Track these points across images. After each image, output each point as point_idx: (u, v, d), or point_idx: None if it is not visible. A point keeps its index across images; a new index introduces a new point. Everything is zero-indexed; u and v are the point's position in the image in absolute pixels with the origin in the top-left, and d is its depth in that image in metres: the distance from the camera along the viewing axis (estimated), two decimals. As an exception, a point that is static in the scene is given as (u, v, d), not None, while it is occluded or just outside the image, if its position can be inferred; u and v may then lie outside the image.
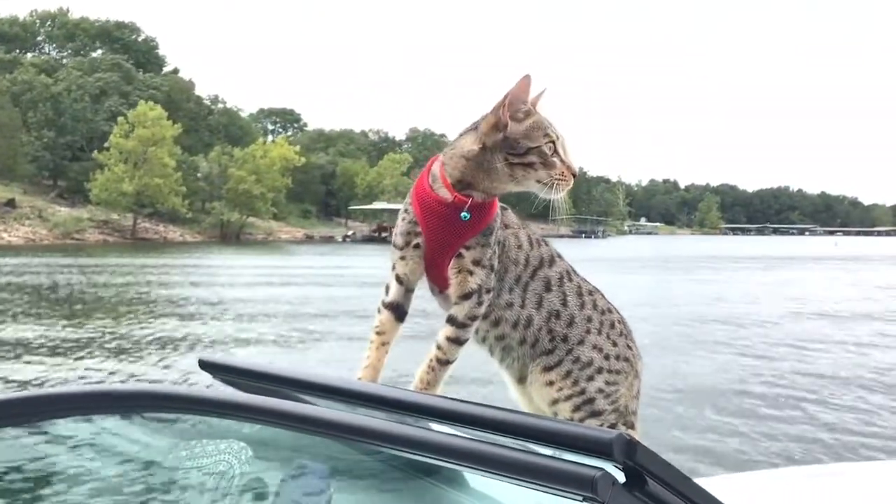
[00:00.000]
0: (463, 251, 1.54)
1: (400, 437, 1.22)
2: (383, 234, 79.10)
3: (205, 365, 1.67)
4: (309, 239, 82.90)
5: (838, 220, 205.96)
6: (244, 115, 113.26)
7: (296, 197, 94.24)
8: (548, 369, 1.61)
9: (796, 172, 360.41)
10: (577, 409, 1.60)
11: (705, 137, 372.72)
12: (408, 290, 1.65)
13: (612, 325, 1.67)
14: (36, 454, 1.89)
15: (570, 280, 1.66)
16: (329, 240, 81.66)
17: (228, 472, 1.74)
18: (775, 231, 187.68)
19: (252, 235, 78.19)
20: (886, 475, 2.84)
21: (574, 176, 1.59)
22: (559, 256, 1.68)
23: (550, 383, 1.60)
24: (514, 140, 1.55)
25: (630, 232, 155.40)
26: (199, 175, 74.69)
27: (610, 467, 1.04)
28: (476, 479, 1.84)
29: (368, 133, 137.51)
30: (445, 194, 1.57)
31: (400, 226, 1.64)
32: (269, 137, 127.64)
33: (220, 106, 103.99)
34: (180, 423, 1.79)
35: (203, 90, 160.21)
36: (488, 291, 1.57)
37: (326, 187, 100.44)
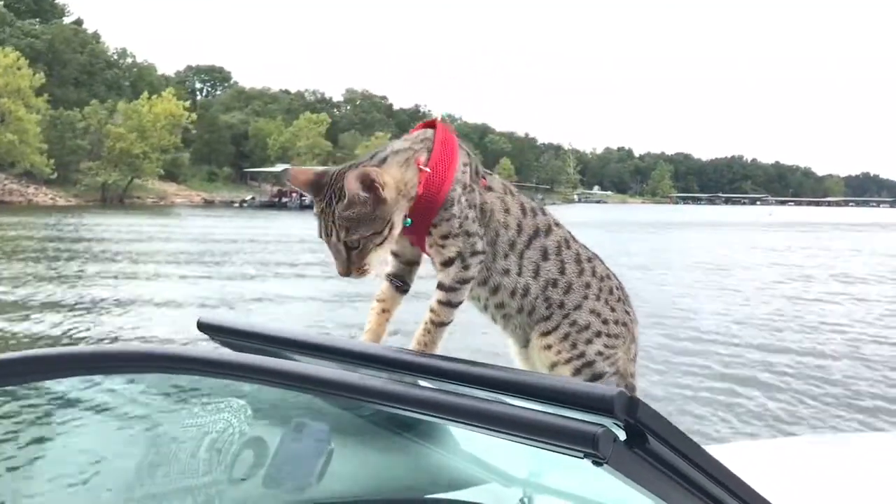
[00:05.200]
0: (431, 229, 1.52)
1: (398, 396, 1.23)
2: (283, 200, 73.41)
3: (203, 326, 1.65)
4: (208, 204, 76.35)
5: (791, 190, 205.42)
6: (168, 72, 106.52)
7: (203, 158, 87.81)
8: (546, 334, 1.60)
9: (751, 142, 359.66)
10: (577, 371, 1.60)
11: (663, 106, 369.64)
12: (407, 264, 1.63)
13: (611, 291, 1.66)
14: (39, 413, 2.00)
15: (569, 248, 1.63)
16: (230, 205, 75.25)
17: (228, 431, 1.81)
18: (727, 201, 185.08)
19: (140, 199, 71.54)
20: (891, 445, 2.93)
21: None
22: (557, 224, 1.64)
23: (549, 347, 1.60)
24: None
25: (579, 200, 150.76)
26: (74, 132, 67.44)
27: (611, 425, 1.04)
28: (466, 441, 1.99)
29: (305, 93, 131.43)
30: None
31: None
32: (198, 96, 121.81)
33: (129, 60, 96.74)
34: (180, 382, 1.86)
35: (117, 44, 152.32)
36: (475, 254, 1.53)
37: (238, 148, 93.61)
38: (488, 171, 1.62)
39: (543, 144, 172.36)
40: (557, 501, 2.16)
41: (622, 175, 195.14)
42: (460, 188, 1.51)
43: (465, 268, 1.52)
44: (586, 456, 1.01)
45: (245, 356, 1.47)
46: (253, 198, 78.41)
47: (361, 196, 1.38)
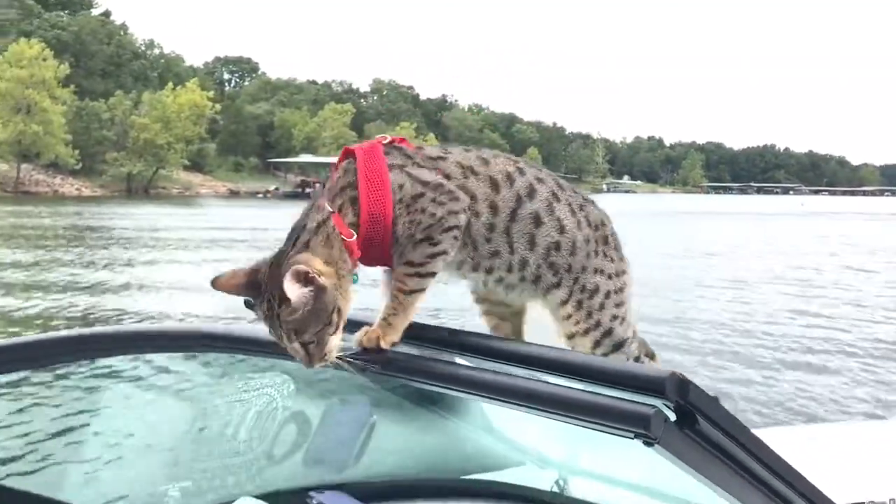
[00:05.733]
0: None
1: (437, 373, 1.25)
2: (307, 190, 73.33)
3: (250, 305, 1.68)
4: (233, 194, 76.57)
5: (825, 180, 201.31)
6: (196, 63, 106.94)
7: (230, 149, 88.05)
8: (563, 303, 1.53)
9: (784, 131, 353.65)
10: (597, 344, 1.54)
11: (694, 94, 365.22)
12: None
13: (606, 241, 1.58)
14: (94, 388, 2.19)
15: (559, 201, 1.52)
16: (255, 195, 75.33)
17: (271, 405, 1.92)
18: (759, 190, 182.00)
19: (165, 189, 71.88)
20: None
21: None
22: (539, 180, 1.51)
23: (568, 316, 1.53)
24: None
25: (607, 190, 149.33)
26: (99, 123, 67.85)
27: (661, 406, 1.05)
28: (501, 422, 2.07)
29: (332, 84, 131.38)
30: None
31: None
32: (226, 87, 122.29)
33: (156, 52, 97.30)
34: (227, 359, 1.97)
35: (145, 36, 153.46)
36: (445, 231, 1.42)
37: (264, 139, 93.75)
38: (445, 153, 1.49)
39: (572, 133, 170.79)
40: (592, 484, 2.18)
41: (652, 164, 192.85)
42: (406, 190, 1.41)
43: (435, 244, 1.42)
44: (637, 436, 1.02)
45: None
46: (277, 188, 78.32)
47: (306, 296, 1.30)
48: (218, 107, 74.96)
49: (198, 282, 15.88)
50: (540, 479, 2.20)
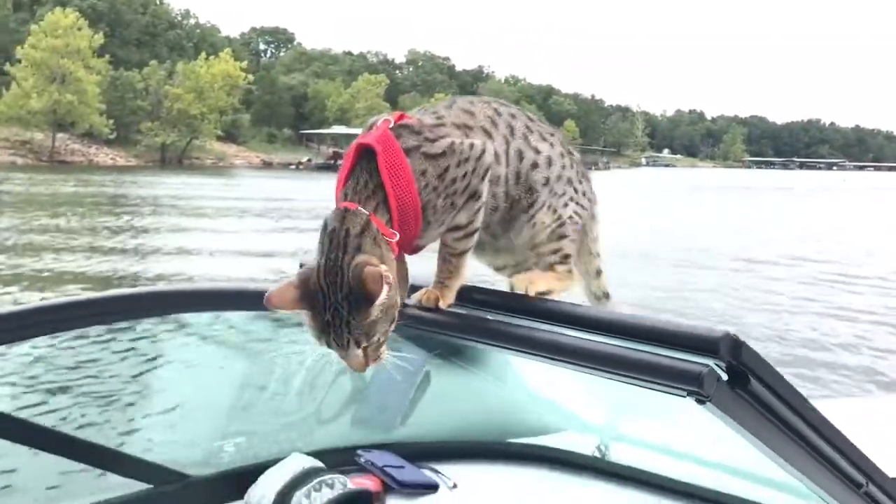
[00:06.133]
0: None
1: (506, 335, 1.28)
2: (338, 162, 72.64)
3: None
4: (267, 165, 76.73)
5: (871, 155, 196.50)
6: (233, 33, 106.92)
7: (264, 120, 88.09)
8: (531, 217, 1.51)
9: (830, 105, 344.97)
10: (553, 235, 1.53)
11: (737, 67, 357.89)
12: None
13: (573, 166, 1.58)
14: (173, 343, 2.30)
15: (532, 132, 1.52)
16: (288, 167, 75.32)
17: (325, 358, 2.03)
18: (801, 165, 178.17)
19: (199, 160, 72.11)
20: None
21: None
22: (497, 113, 1.49)
23: (534, 224, 1.51)
24: None
25: (646, 164, 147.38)
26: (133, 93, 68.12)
27: (713, 365, 1.07)
28: (543, 386, 2.16)
29: (367, 55, 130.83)
30: None
31: None
32: (262, 58, 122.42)
33: (192, 21, 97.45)
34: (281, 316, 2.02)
35: (181, 5, 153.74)
36: (483, 175, 1.42)
37: (298, 110, 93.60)
38: (438, 116, 1.45)
39: (611, 106, 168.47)
40: (633, 450, 2.21)
41: (693, 138, 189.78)
42: (430, 174, 1.38)
43: (477, 197, 1.42)
44: (689, 394, 1.04)
45: None
46: (309, 160, 77.99)
47: (387, 296, 1.27)
48: (252, 77, 74.77)
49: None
50: (581, 444, 2.26)
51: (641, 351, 1.11)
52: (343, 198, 1.33)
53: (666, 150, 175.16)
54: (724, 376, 1.06)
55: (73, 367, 2.51)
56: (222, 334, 2.25)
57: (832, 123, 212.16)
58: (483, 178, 1.41)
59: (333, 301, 1.27)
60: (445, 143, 1.39)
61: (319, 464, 1.97)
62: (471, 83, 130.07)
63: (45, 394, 2.44)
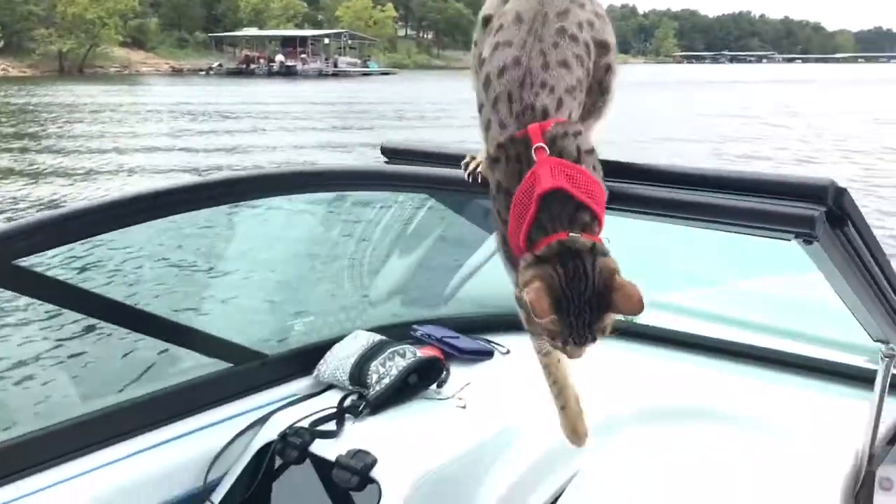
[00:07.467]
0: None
1: (620, 196, 1.28)
2: (251, 66, 69.55)
3: (385, 150, 1.82)
4: (176, 72, 72.77)
5: (799, 47, 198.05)
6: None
7: (173, 24, 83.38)
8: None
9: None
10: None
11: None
12: None
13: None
14: (260, 224, 2.51)
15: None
16: (198, 73, 71.59)
17: (395, 215, 2.27)
18: (732, 59, 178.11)
19: (102, 68, 68.00)
20: None
21: None
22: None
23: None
24: None
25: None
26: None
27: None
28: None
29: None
30: None
31: None
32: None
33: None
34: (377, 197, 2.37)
35: None
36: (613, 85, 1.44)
37: (210, 12, 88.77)
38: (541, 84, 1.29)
39: None
40: (674, 317, 2.44)
41: (625, 34, 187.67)
42: (596, 164, 1.35)
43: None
44: (797, 236, 1.11)
45: (413, 168, 1.67)
46: (220, 65, 73.92)
47: None
48: (151, -23, 69.95)
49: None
50: None
51: (748, 199, 1.16)
52: (541, 233, 1.23)
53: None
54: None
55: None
56: (293, 214, 2.45)
57: (762, 15, 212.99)
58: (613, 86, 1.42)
59: (584, 306, 1.23)
60: (589, 137, 1.33)
61: (385, 338, 2.13)
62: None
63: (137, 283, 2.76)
